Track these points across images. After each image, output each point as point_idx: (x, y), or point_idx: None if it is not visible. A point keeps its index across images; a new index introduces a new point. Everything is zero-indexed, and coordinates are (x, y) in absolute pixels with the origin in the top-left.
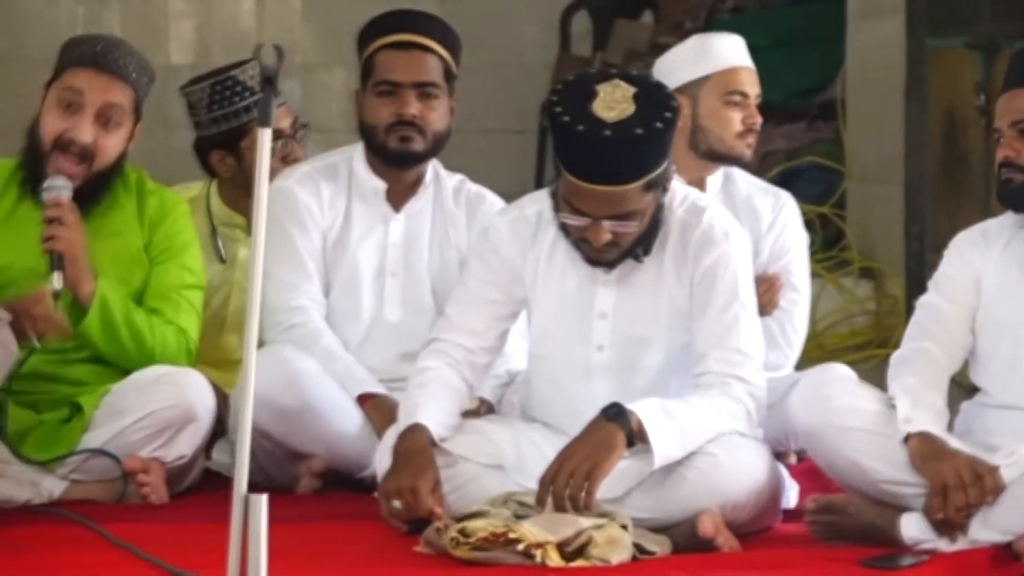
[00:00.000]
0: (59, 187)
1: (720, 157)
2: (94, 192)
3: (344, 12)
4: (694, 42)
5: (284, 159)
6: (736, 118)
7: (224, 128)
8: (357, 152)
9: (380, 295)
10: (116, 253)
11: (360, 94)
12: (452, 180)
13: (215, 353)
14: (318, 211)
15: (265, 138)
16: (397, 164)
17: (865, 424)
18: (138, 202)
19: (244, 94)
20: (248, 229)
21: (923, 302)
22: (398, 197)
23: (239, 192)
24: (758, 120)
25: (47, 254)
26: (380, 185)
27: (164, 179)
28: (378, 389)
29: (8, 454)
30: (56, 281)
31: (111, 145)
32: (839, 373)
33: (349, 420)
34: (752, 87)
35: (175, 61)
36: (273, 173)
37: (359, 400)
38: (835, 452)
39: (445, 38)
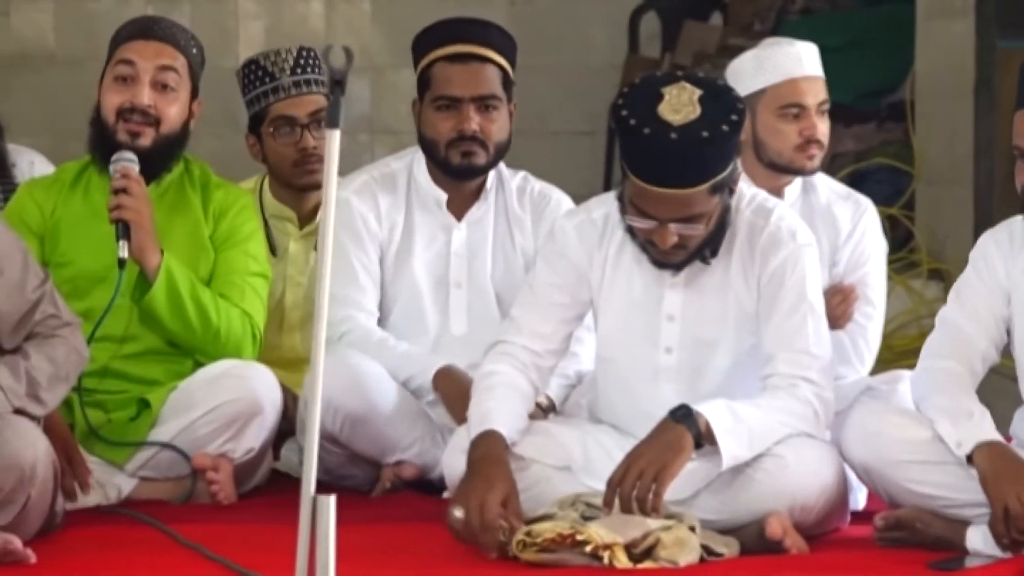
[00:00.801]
0: (126, 159)
1: (782, 169)
2: (165, 159)
3: (413, 13)
4: (751, 54)
5: (296, 146)
6: (792, 131)
7: (251, 112)
8: (417, 159)
9: (444, 308)
10: (186, 239)
11: (417, 104)
12: (515, 180)
13: (276, 353)
14: (375, 222)
15: (334, 140)
16: (460, 179)
17: (918, 455)
18: (203, 195)
19: (264, 79)
20: (297, 223)
21: (943, 317)
22: (460, 206)
23: (280, 185)
24: (817, 131)
25: (114, 223)
26: (441, 195)
27: (234, 179)
28: (443, 362)
29: (79, 450)
30: (122, 250)
31: (172, 111)
32: (882, 406)
33: (415, 424)
34: (812, 96)
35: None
36: (287, 161)
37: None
38: (894, 486)
39: (502, 45)
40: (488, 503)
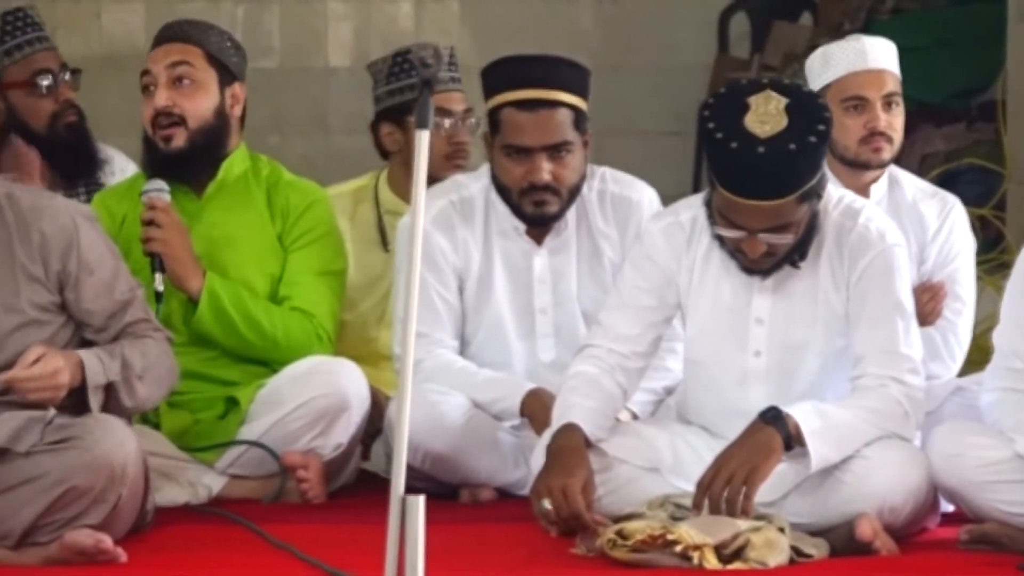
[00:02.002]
0: (154, 190)
1: (851, 164)
2: (208, 153)
3: (502, 14)
4: (820, 51)
5: (450, 139)
6: (856, 124)
7: (397, 101)
8: (496, 190)
9: (531, 335)
10: (252, 245)
11: (488, 138)
12: (593, 186)
13: (370, 347)
14: (452, 252)
15: (423, 141)
16: (533, 225)
17: (1001, 475)
18: (269, 193)
19: (412, 72)
20: None
21: (1000, 348)
22: (540, 230)
23: (407, 174)
24: (880, 122)
25: (148, 256)
26: (520, 224)
27: (322, 181)
28: (531, 385)
29: (171, 447)
30: (158, 283)
31: (194, 103)
32: (963, 426)
33: (494, 454)
34: (875, 89)
35: (333, 64)
36: (437, 154)
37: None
38: (980, 506)
39: (572, 81)
40: (570, 488)
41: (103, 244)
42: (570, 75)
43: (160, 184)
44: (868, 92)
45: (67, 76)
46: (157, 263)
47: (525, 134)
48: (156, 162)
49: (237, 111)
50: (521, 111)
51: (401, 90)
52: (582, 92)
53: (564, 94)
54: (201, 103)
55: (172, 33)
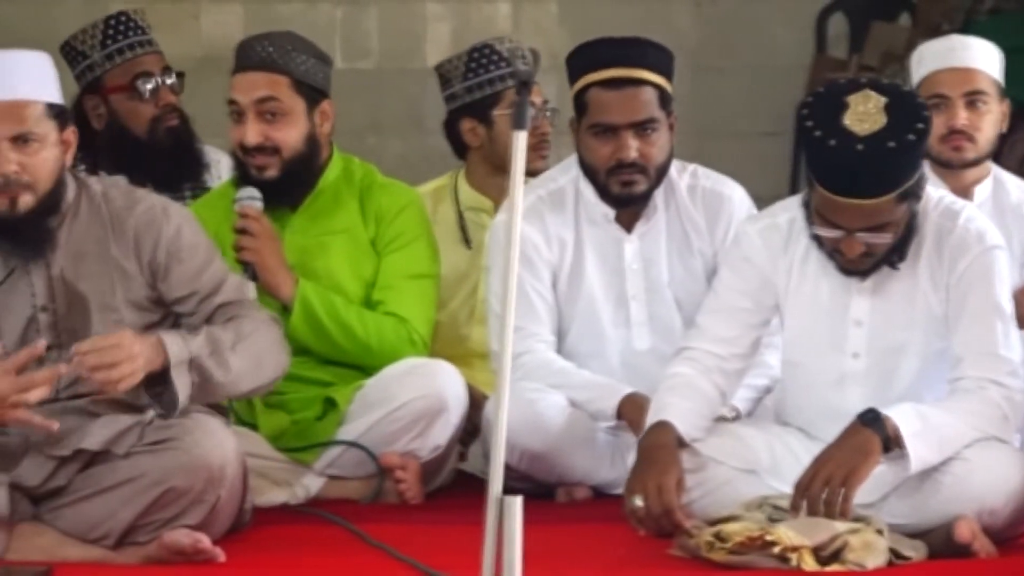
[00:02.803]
0: (246, 198)
1: (936, 162)
2: (297, 182)
3: (600, 14)
4: (918, 49)
5: (534, 131)
6: (937, 122)
7: (478, 96)
8: (583, 173)
9: (625, 323)
10: (345, 249)
11: (574, 124)
12: (684, 179)
13: (462, 346)
14: (544, 246)
15: (520, 141)
16: (622, 206)
17: None
18: (362, 197)
19: (500, 64)
20: (494, 213)
21: None
22: (629, 217)
23: (487, 170)
24: (959, 120)
25: (240, 265)
26: (609, 210)
27: (418, 181)
28: (628, 388)
29: (268, 448)
30: (250, 291)
31: (286, 137)
32: None
33: (591, 453)
34: (955, 87)
35: (431, 65)
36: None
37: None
38: None
39: (657, 62)
40: (665, 486)
41: (194, 235)
42: (654, 55)
43: (252, 192)
44: (949, 90)
45: (169, 80)
46: (249, 272)
47: (611, 112)
48: (248, 182)
49: (327, 128)
50: (607, 90)
51: (481, 85)
52: (666, 72)
53: (648, 73)
54: (292, 133)
55: (257, 59)
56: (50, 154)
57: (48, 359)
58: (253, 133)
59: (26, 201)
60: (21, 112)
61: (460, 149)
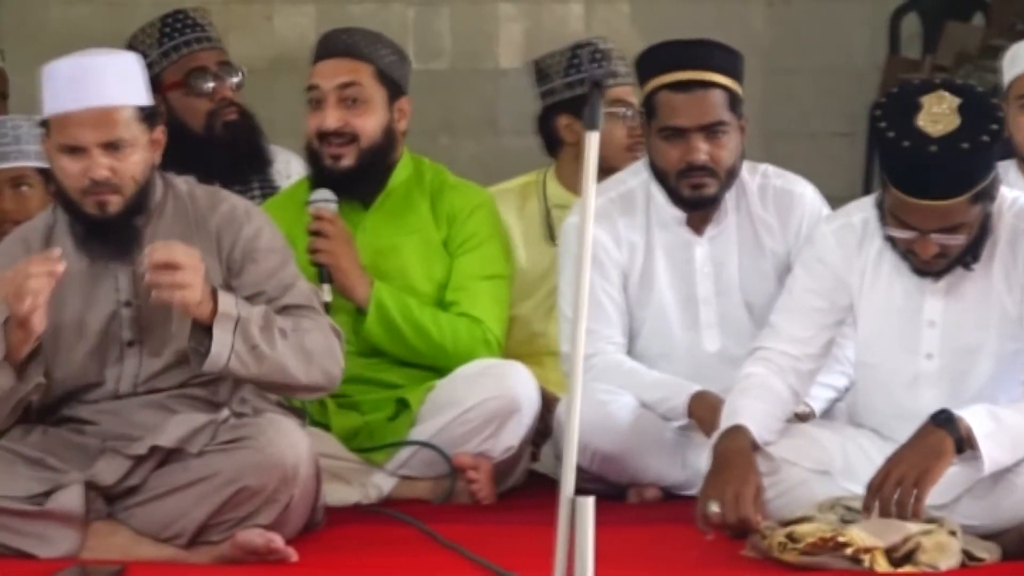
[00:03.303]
0: (321, 200)
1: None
2: (372, 173)
3: (672, 15)
4: (1012, 48)
5: (631, 131)
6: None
7: (578, 92)
8: (654, 176)
9: (695, 325)
10: (417, 250)
11: (645, 126)
12: (755, 179)
13: (536, 343)
14: (614, 248)
15: (593, 142)
16: (692, 209)
17: None
18: (433, 198)
19: (602, 62)
20: None
21: None
22: (700, 219)
23: (579, 168)
24: None
25: (314, 267)
26: (680, 213)
27: (491, 182)
28: (698, 387)
29: (341, 449)
30: (325, 294)
31: (365, 123)
32: None
33: (662, 453)
34: None
35: (503, 65)
36: (618, 146)
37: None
38: None
39: (726, 64)
40: (743, 495)
41: (272, 238)
42: (723, 58)
43: (327, 194)
44: None
45: (232, 76)
46: (324, 274)
47: (681, 115)
48: (322, 175)
49: (403, 125)
50: (676, 92)
51: (581, 82)
52: (736, 75)
53: (718, 75)
54: (371, 122)
55: (341, 46)
56: (139, 157)
57: (128, 355)
58: (333, 117)
59: (115, 203)
60: (111, 118)
61: (552, 146)
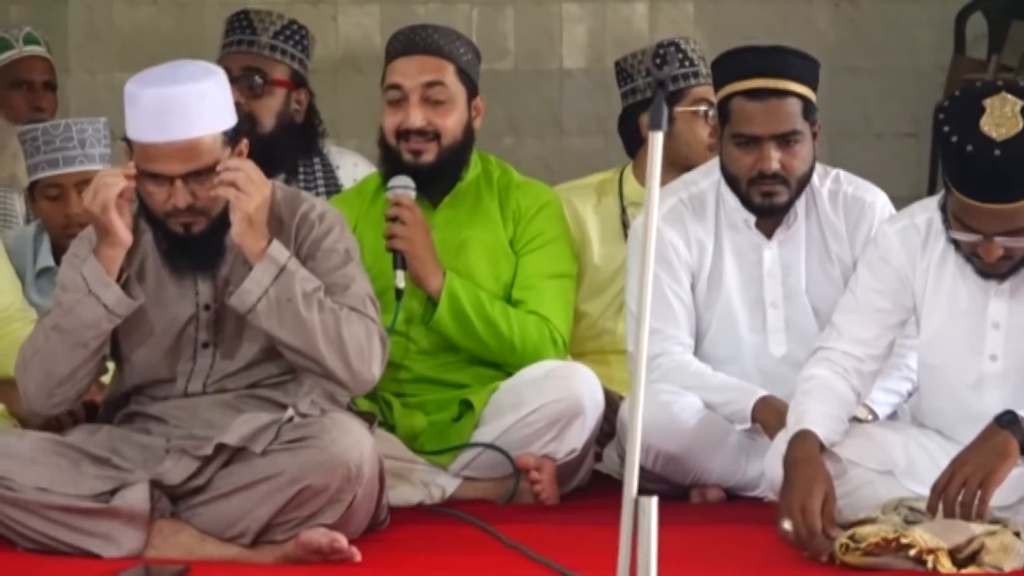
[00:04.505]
0: (400, 187)
1: None
2: (450, 170)
3: (737, 15)
4: None
5: (715, 130)
6: None
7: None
8: (725, 180)
9: (762, 329)
10: (484, 246)
11: (718, 130)
12: (826, 184)
13: (602, 340)
14: (684, 249)
15: (657, 142)
16: (762, 216)
17: None
18: (501, 197)
19: (684, 62)
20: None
21: None
22: (770, 223)
23: (663, 165)
24: None
25: (390, 252)
26: (750, 216)
27: (555, 182)
28: (763, 392)
29: (404, 450)
30: (399, 280)
31: (448, 122)
32: None
33: (725, 454)
34: None
35: (568, 65)
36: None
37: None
38: None
39: (802, 72)
40: (809, 508)
41: (337, 240)
42: (799, 65)
43: (406, 181)
44: None
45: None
46: (399, 260)
47: (754, 123)
48: (398, 171)
49: (478, 123)
50: (751, 100)
51: (672, 79)
52: (811, 83)
53: (793, 84)
54: (452, 120)
55: (423, 44)
56: None
57: (201, 355)
58: (418, 116)
59: (199, 224)
60: (196, 148)
61: (632, 145)
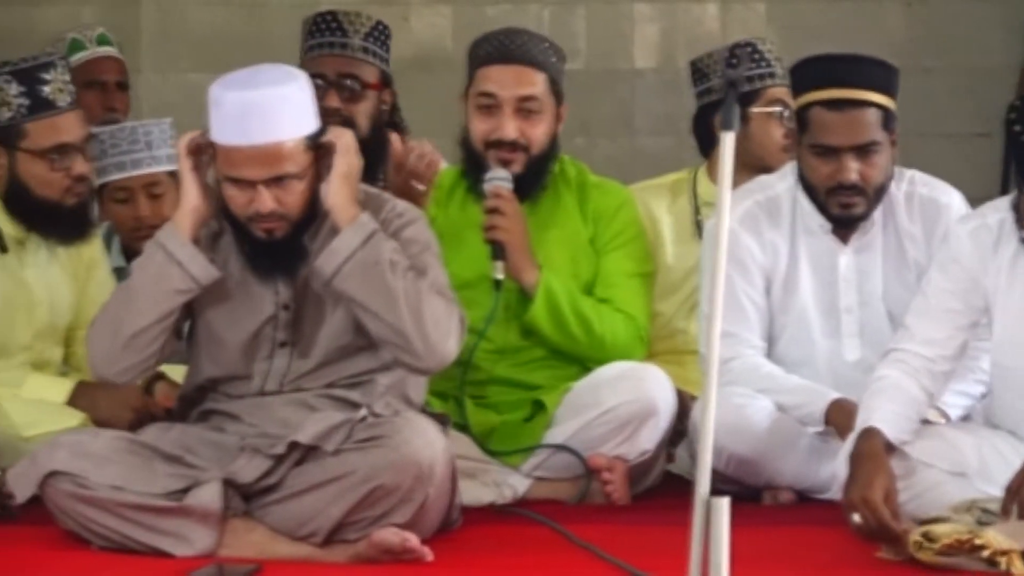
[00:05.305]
0: (499, 178)
1: None
2: (536, 178)
3: (809, 14)
4: None
5: (789, 132)
6: None
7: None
8: (802, 187)
9: (836, 334)
10: (564, 246)
11: (796, 137)
12: (902, 186)
13: (675, 340)
14: (760, 253)
15: (728, 142)
16: (839, 226)
17: None
18: (580, 197)
19: (760, 62)
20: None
21: None
22: (845, 228)
23: (738, 164)
24: None
25: (488, 244)
26: (826, 222)
27: (627, 182)
28: (836, 394)
29: (476, 450)
30: (498, 271)
31: (538, 134)
32: None
33: (797, 456)
34: None
35: (639, 66)
36: (776, 146)
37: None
38: None
39: (882, 81)
40: (871, 500)
41: (416, 232)
42: (879, 75)
43: (504, 173)
44: None
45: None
46: (498, 251)
47: (833, 134)
48: (482, 170)
49: (560, 128)
50: (830, 111)
51: (746, 80)
52: (891, 92)
53: (873, 94)
54: (541, 130)
55: (519, 53)
56: (305, 185)
57: (278, 354)
58: (512, 128)
59: (282, 228)
60: (278, 154)
61: (706, 145)
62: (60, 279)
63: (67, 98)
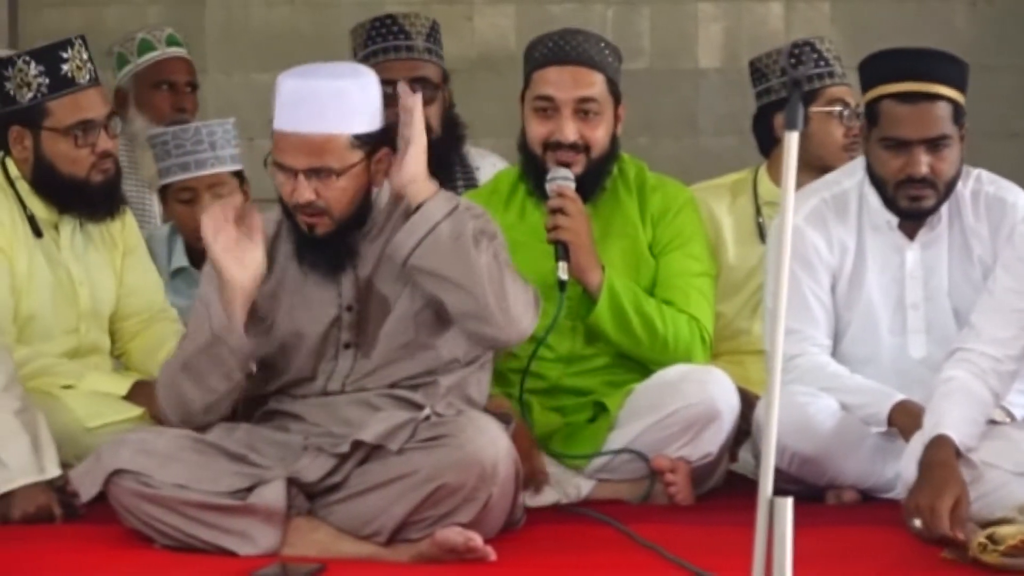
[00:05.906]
0: (562, 178)
1: None
2: (596, 179)
3: (873, 13)
4: None
5: (848, 131)
6: None
7: (804, 89)
8: (868, 178)
9: (902, 330)
10: (624, 250)
11: (865, 132)
12: (968, 184)
13: (737, 340)
14: (826, 250)
15: (792, 142)
16: (908, 219)
17: None
18: (639, 198)
19: (820, 62)
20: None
21: None
22: (913, 225)
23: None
24: None
25: (552, 244)
26: (893, 217)
27: (690, 182)
28: (901, 396)
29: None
30: (562, 271)
31: (598, 134)
32: None
33: (861, 456)
34: None
35: (703, 65)
36: (836, 144)
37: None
38: None
39: (953, 76)
40: (938, 509)
41: (483, 224)
42: (949, 69)
43: (567, 172)
44: None
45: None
46: (562, 251)
47: (904, 127)
48: (541, 172)
49: (619, 130)
50: (901, 104)
51: (807, 79)
52: (960, 86)
53: (943, 87)
54: (601, 131)
55: (575, 54)
56: (349, 183)
57: (343, 355)
58: (571, 130)
59: (323, 224)
60: (322, 146)
61: (766, 145)
62: (98, 263)
63: (87, 75)
